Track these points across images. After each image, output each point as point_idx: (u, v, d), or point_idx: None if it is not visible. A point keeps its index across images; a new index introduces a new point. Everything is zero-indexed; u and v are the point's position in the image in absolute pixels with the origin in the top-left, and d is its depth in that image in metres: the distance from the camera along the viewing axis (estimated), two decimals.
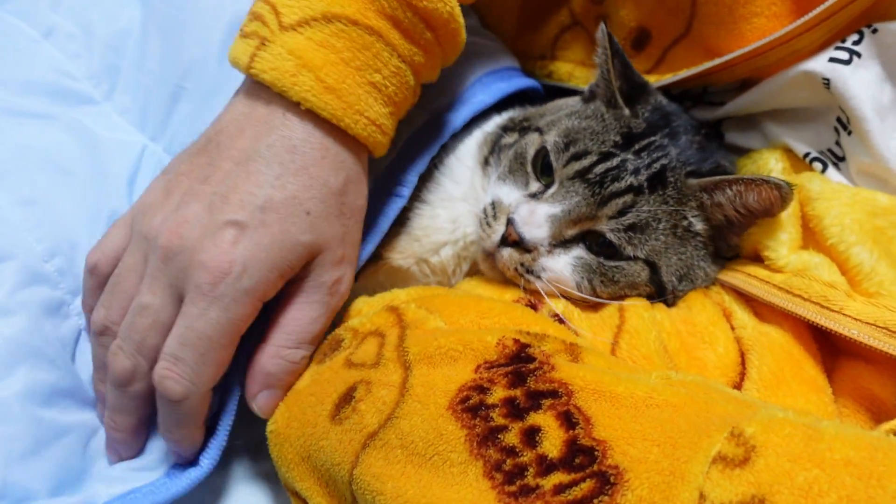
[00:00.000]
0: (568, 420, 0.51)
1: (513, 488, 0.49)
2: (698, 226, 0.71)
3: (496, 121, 0.86)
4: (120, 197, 0.78)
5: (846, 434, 0.45)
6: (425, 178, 0.79)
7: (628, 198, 0.70)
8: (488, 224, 0.75)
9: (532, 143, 0.77)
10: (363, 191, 0.68)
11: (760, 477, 0.43)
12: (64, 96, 0.81)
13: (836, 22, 0.67)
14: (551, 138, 0.75)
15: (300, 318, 0.64)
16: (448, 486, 0.51)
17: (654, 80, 0.81)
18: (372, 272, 0.80)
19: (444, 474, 0.52)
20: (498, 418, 0.52)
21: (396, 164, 0.77)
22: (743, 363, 0.65)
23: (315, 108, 0.62)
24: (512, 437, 0.51)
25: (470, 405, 0.54)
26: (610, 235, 0.70)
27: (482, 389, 0.55)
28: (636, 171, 0.71)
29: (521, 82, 0.87)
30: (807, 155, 0.72)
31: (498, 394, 0.54)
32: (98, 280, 0.68)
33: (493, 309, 0.65)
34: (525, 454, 0.50)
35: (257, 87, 0.64)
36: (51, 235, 0.72)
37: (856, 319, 0.60)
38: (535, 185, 0.75)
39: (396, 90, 0.67)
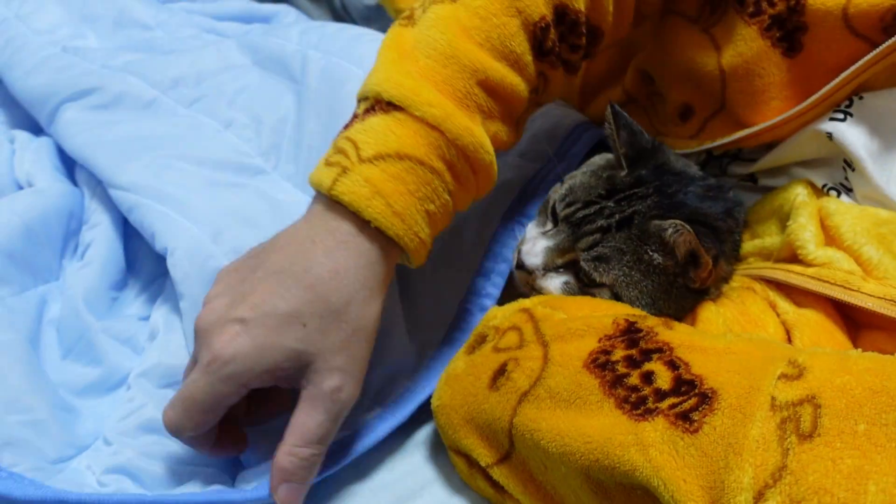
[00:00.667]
0: (672, 365, 0.69)
1: (639, 411, 0.66)
2: (659, 260, 0.86)
3: None
4: None
5: (865, 354, 0.65)
6: None
7: (597, 235, 0.88)
8: (517, 250, 0.94)
9: (555, 191, 0.95)
10: (371, 312, 0.77)
11: (811, 384, 0.61)
12: (245, 170, 1.03)
13: (833, 100, 0.88)
14: (560, 191, 0.93)
15: (307, 421, 0.72)
16: (589, 418, 0.68)
17: (697, 145, 1.02)
18: None
19: (586, 412, 0.69)
20: (621, 369, 0.70)
21: (518, 204, 1.03)
22: (789, 339, 0.82)
23: (382, 227, 0.74)
24: (634, 380, 0.69)
25: (599, 363, 0.72)
26: (582, 264, 0.88)
27: (606, 352, 0.72)
28: (609, 216, 0.88)
29: (600, 132, 1.06)
30: (824, 186, 0.92)
31: (619, 353, 0.72)
32: None
33: (603, 304, 0.85)
34: (645, 389, 0.67)
35: (332, 206, 0.76)
36: None
37: (870, 295, 0.79)
38: (548, 225, 0.94)
39: (441, 218, 0.81)
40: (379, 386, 0.91)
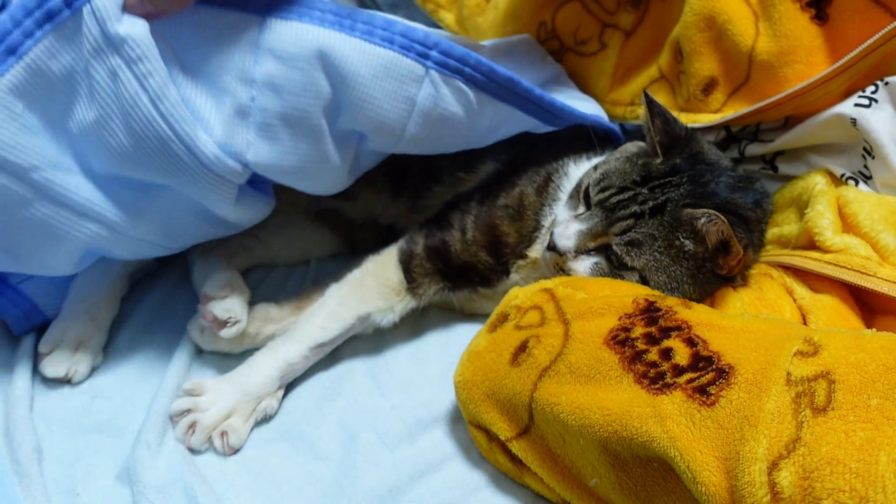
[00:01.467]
0: (690, 342, 0.71)
1: (657, 386, 0.68)
2: (690, 247, 0.88)
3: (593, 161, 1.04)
4: None
5: (880, 334, 0.67)
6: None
7: (631, 221, 0.90)
8: (549, 233, 0.96)
9: (588, 177, 0.97)
10: None
11: (826, 360, 0.63)
12: None
13: (856, 70, 0.90)
14: (594, 176, 0.95)
15: None
16: (609, 392, 0.71)
17: (720, 116, 1.03)
18: (524, 265, 1.01)
19: (605, 386, 0.72)
20: (641, 345, 0.73)
21: None
22: (805, 323, 0.84)
23: None
24: (653, 356, 0.71)
25: (619, 339, 0.74)
26: (615, 248, 0.90)
27: (626, 329, 0.75)
28: (643, 202, 0.90)
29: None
30: (843, 175, 0.93)
31: (638, 330, 0.74)
32: None
33: (623, 285, 0.87)
34: (663, 365, 0.70)
35: None
36: None
37: (886, 280, 0.80)
38: (581, 209, 0.96)
39: None
40: None
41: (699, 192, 0.90)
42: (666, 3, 1.12)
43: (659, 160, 0.93)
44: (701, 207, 0.86)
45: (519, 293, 0.88)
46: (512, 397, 0.78)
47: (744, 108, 1.00)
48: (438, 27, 1.40)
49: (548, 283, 0.88)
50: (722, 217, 0.83)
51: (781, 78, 0.97)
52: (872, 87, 0.90)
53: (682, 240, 0.87)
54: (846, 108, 0.90)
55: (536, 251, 0.99)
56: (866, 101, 0.89)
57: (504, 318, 0.86)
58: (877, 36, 0.87)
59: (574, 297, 0.83)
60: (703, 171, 0.93)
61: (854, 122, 0.89)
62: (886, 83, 0.89)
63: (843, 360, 0.62)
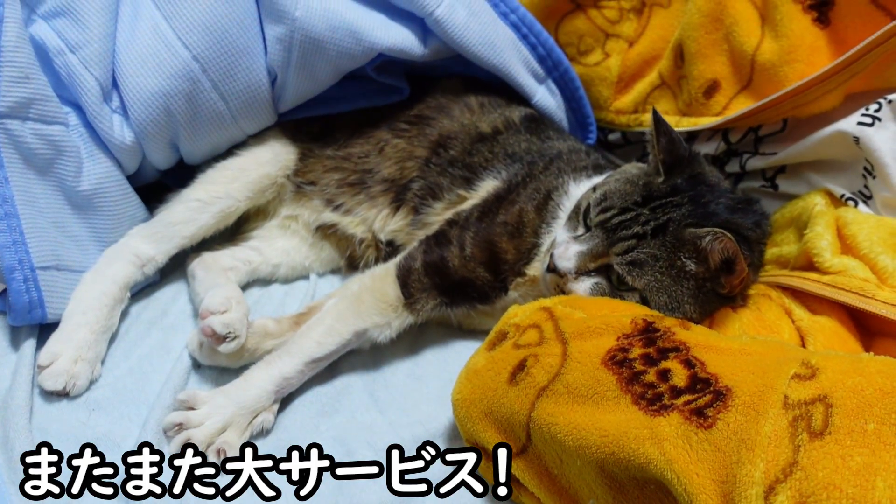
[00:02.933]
0: (688, 364, 0.71)
1: (654, 407, 0.68)
2: (692, 266, 0.88)
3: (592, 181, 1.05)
4: None
5: (877, 358, 0.67)
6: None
7: (633, 241, 0.90)
8: (547, 254, 0.95)
9: (587, 198, 0.96)
10: None
11: (823, 384, 0.63)
12: None
13: (856, 68, 0.92)
14: (594, 196, 0.95)
15: None
16: (607, 413, 0.71)
17: (721, 118, 1.05)
18: (522, 283, 1.01)
19: (603, 407, 0.72)
20: (638, 366, 0.73)
21: None
22: (803, 345, 0.84)
23: None
24: (650, 377, 0.71)
25: (617, 360, 0.74)
26: (616, 268, 0.91)
27: (624, 350, 0.75)
28: (645, 223, 0.90)
29: None
30: (842, 195, 0.94)
31: (636, 351, 0.75)
32: None
33: (621, 304, 0.87)
34: (661, 386, 0.70)
35: None
36: None
37: (885, 303, 0.81)
38: (580, 230, 0.96)
39: None
40: None
41: (700, 213, 0.90)
42: (668, 9, 1.14)
43: (660, 179, 0.94)
44: (702, 227, 0.86)
45: (518, 311, 0.88)
46: (510, 416, 0.78)
47: (745, 108, 1.02)
48: None
49: (547, 302, 0.88)
50: (728, 234, 0.83)
51: (782, 77, 0.99)
52: (876, 106, 0.90)
53: (683, 260, 0.88)
54: (849, 125, 0.91)
55: (535, 269, 0.99)
56: (869, 120, 0.90)
57: (503, 336, 0.86)
58: (876, 35, 0.88)
59: (573, 316, 0.83)
60: (703, 191, 0.93)
61: (857, 140, 0.90)
62: (890, 101, 0.90)
63: (841, 384, 0.62)
